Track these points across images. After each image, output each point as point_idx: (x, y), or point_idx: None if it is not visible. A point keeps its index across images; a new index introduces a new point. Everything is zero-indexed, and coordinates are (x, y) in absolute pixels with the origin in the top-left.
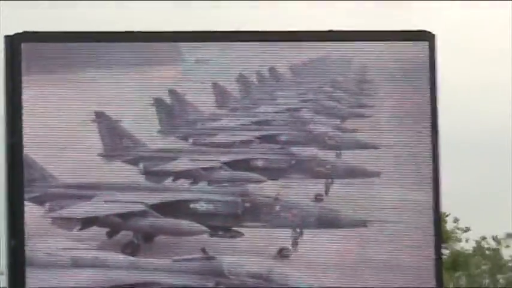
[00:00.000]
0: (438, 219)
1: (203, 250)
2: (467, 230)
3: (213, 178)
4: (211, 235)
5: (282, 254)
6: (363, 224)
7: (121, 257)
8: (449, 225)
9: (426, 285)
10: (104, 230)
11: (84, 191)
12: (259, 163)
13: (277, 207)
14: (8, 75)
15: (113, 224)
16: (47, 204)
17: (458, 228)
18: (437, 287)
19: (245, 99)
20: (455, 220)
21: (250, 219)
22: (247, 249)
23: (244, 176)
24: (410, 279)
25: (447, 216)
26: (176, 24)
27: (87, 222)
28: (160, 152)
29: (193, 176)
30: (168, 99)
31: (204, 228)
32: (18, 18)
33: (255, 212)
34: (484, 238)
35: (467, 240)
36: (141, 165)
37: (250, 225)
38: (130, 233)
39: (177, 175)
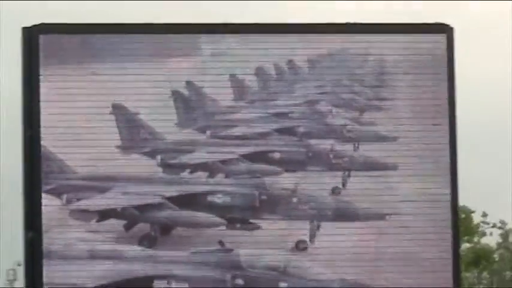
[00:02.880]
0: (456, 212)
1: (220, 242)
2: (494, 225)
3: (231, 170)
4: (229, 227)
5: (299, 246)
6: (381, 217)
7: (138, 249)
8: (476, 219)
9: (444, 278)
10: (121, 223)
11: (101, 183)
12: (277, 155)
13: (295, 200)
14: (26, 67)
15: (130, 216)
16: (65, 196)
17: (484, 222)
18: (455, 279)
19: (263, 91)
20: (484, 215)
21: (268, 212)
22: (265, 242)
23: (262, 169)
24: (428, 272)
25: (472, 212)
26: (193, 15)
27: (104, 214)
28: (177, 144)
29: (210, 168)
30: (185, 92)
31: (221, 220)
32: (35, 10)
33: (272, 205)
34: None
35: (491, 234)
36: (158, 158)
37: (268, 218)
38: (148, 226)
39: (194, 168)
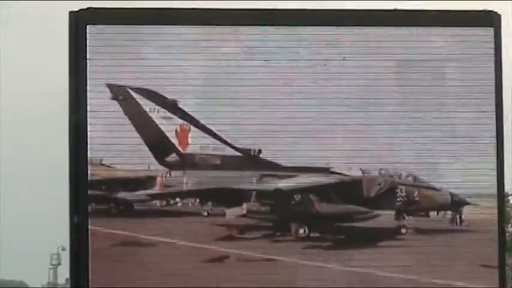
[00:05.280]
0: (502, 199)
1: None
2: None
3: None
4: None
5: None
6: None
7: None
8: None
9: (489, 264)
10: None
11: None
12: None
13: None
14: (72, 51)
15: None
16: None
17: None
18: (500, 266)
19: (309, 81)
20: None
21: None
22: None
23: None
24: (473, 259)
25: (510, 195)
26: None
27: None
28: None
29: None
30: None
31: None
32: None
33: None
34: None
35: None
36: None
37: None
38: None
39: None
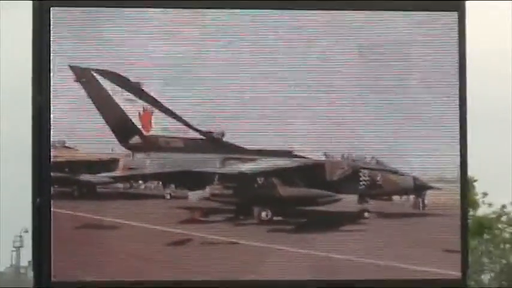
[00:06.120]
0: (465, 184)
1: None
2: (484, 195)
3: None
4: None
5: None
6: None
7: None
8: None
9: (451, 249)
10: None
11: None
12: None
13: None
14: (36, 37)
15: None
16: None
17: (475, 194)
18: (462, 250)
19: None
20: (484, 195)
21: None
22: None
23: None
24: (435, 243)
25: (475, 181)
26: None
27: None
28: None
29: None
30: None
31: None
32: None
33: None
34: (504, 206)
35: (490, 205)
36: None
37: None
38: None
39: None
